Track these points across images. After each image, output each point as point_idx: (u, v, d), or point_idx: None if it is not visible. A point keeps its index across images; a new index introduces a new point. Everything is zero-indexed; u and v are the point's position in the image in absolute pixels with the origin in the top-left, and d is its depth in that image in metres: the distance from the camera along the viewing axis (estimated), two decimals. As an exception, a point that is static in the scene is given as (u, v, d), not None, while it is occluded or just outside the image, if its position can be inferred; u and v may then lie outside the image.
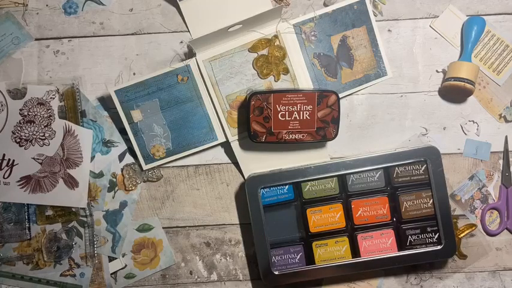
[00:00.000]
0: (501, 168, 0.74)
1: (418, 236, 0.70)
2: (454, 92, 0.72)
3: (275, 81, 0.71)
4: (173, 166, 0.74)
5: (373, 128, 0.74)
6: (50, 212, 0.73)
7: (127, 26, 0.74)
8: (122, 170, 0.73)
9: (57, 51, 0.73)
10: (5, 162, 0.71)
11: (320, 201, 0.70)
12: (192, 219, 0.74)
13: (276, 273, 0.70)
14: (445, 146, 0.74)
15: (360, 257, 0.70)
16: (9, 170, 0.71)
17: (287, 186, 0.70)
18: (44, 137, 0.71)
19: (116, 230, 0.73)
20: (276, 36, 0.71)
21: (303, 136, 0.69)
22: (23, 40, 0.73)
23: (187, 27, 0.73)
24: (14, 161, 0.71)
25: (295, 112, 0.68)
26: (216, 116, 0.72)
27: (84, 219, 0.73)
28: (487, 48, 0.74)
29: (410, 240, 0.70)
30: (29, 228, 0.73)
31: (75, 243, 0.73)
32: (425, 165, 0.70)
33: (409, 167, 0.70)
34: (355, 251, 0.70)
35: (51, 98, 0.71)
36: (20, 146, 0.71)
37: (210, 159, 0.74)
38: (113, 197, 0.73)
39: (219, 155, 0.74)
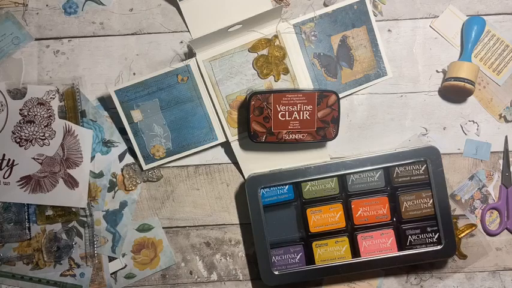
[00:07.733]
0: (501, 168, 0.74)
1: (418, 236, 0.70)
2: (454, 92, 0.72)
3: (275, 81, 0.71)
4: (173, 166, 0.74)
5: (373, 128, 0.74)
6: (50, 212, 0.73)
7: (127, 26, 0.74)
8: (122, 170, 0.73)
9: (57, 51, 0.73)
10: (5, 162, 0.71)
11: (320, 201, 0.70)
12: (192, 219, 0.74)
13: (276, 273, 0.70)
14: (445, 146, 0.74)
15: (360, 257, 0.70)
16: (9, 170, 0.71)
17: (287, 186, 0.70)
18: (44, 137, 0.71)
19: (116, 230, 0.73)
20: (276, 36, 0.71)
21: (303, 136, 0.69)
22: (23, 40, 0.73)
23: (187, 27, 0.73)
24: (14, 161, 0.71)
25: (295, 112, 0.68)
26: (216, 116, 0.71)
27: (84, 219, 0.73)
28: (487, 48, 0.74)
29: (410, 240, 0.70)
30: (29, 228, 0.73)
31: (75, 243, 0.73)
32: (425, 165, 0.70)
33: (409, 167, 0.70)
34: (355, 251, 0.70)
35: (51, 98, 0.71)
36: (20, 146, 0.71)
37: (210, 159, 0.74)
38: (113, 197, 0.73)
39: (219, 155, 0.74)
